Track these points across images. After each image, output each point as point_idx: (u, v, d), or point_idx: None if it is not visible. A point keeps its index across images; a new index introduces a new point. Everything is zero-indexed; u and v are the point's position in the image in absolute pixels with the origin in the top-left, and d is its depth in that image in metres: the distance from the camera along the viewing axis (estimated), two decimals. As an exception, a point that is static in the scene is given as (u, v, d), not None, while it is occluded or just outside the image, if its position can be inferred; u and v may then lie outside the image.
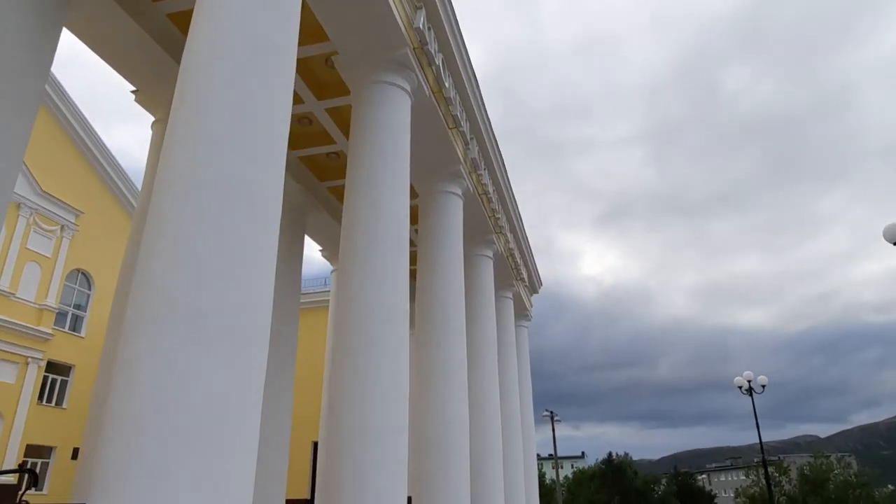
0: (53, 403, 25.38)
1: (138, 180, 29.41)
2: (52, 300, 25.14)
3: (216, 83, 5.78)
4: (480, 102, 14.31)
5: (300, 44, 6.99)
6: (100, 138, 27.98)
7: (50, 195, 25.30)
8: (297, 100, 12.65)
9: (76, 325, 27.16)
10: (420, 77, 11.02)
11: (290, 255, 14.41)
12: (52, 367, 25.29)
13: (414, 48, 10.59)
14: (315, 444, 24.25)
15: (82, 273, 27.61)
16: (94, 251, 27.67)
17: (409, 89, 10.80)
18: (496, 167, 16.72)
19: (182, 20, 10.45)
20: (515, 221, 20.41)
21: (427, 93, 11.51)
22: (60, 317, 26.06)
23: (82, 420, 26.35)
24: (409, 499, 12.99)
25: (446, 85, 11.87)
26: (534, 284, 26.61)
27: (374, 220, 9.48)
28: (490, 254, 18.02)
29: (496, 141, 16.13)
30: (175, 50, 10.81)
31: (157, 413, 4.46)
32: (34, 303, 24.40)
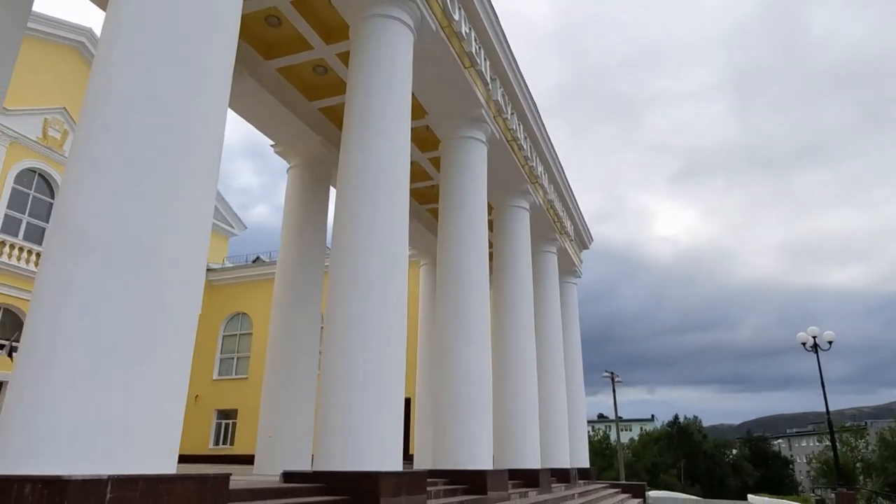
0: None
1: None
2: None
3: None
4: (502, 39, 13.37)
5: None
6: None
7: None
8: (307, 46, 12.23)
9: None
10: (423, 9, 10.29)
11: (317, 210, 14.17)
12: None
13: (413, -24, 9.85)
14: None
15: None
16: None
17: (410, 23, 10.11)
18: (527, 111, 15.76)
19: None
20: (555, 171, 19.39)
21: (434, 27, 10.77)
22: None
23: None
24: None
25: (456, 18, 11.06)
26: (583, 240, 25.52)
27: (367, 163, 8.98)
28: (525, 205, 17.19)
29: (525, 81, 15.15)
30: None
31: (55, 345, 4.21)
32: None
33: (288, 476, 7.56)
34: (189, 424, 28.02)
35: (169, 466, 4.54)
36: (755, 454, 57.42)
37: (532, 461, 14.43)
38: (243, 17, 11.67)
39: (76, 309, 4.32)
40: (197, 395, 30.58)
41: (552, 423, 18.22)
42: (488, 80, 12.83)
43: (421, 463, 17.81)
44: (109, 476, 3.82)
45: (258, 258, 33.53)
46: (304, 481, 7.30)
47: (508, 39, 13.55)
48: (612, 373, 39.93)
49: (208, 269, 32.16)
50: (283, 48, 12.47)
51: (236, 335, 31.23)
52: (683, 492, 39.79)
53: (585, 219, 24.96)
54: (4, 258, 22.38)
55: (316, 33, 11.90)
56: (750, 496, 30.87)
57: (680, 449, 51.35)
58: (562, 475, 17.42)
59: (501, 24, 12.99)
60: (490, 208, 17.70)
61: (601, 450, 48.31)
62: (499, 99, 13.64)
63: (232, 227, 34.09)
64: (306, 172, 14.59)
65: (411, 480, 7.71)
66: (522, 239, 16.79)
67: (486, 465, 11.16)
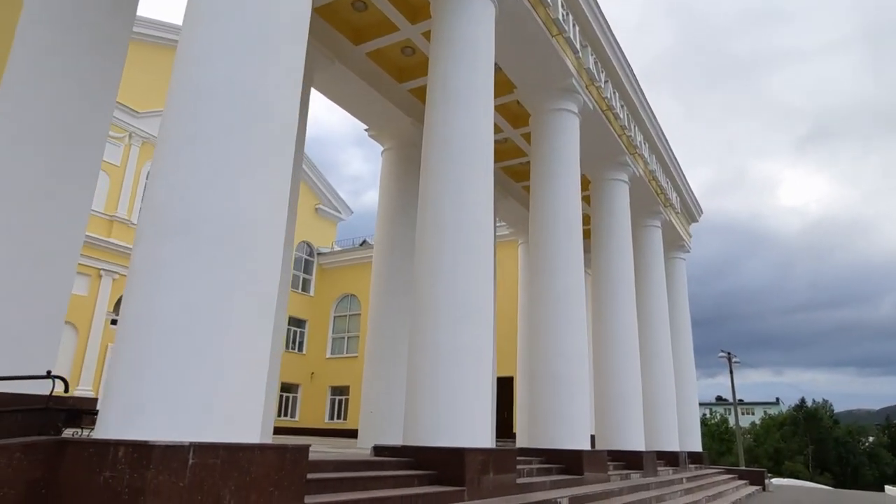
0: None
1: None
2: (124, 212, 26.98)
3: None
4: (594, 4, 12.72)
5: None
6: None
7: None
8: (393, 27, 12.30)
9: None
10: (504, -23, 9.98)
11: (411, 191, 14.34)
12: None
13: (492, -55, 9.56)
14: (500, 380, 24.38)
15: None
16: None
17: (490, -8, 9.84)
18: (622, 77, 14.96)
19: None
20: (657, 140, 18.32)
21: (516, -5, 10.42)
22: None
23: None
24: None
25: (540, -16, 10.64)
26: (691, 212, 24.03)
27: (449, 138, 8.89)
28: (624, 177, 16.41)
29: (619, 46, 14.35)
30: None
31: (145, 321, 4.53)
32: (104, 213, 26.00)
33: (378, 450, 7.75)
34: (306, 400, 29.71)
35: (251, 437, 4.75)
36: (895, 442, 51.96)
37: (635, 443, 13.91)
38: (331, 5, 12.00)
39: (162, 286, 4.61)
40: (312, 373, 32.35)
41: (658, 404, 17.45)
42: (578, 47, 12.26)
43: (523, 441, 17.73)
44: (191, 443, 4.06)
45: (365, 241, 34.69)
46: (392, 455, 7.45)
47: (599, 3, 12.86)
48: (728, 353, 37.55)
49: (318, 253, 33.79)
50: (370, 32, 12.63)
51: (346, 316, 32.60)
52: (812, 480, 36.82)
53: (699, 191, 23.48)
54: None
55: (401, 14, 11.93)
56: (888, 487, 27.97)
57: (807, 434, 47.46)
58: (670, 458, 16.68)
59: (591, -14, 12.34)
60: (587, 182, 17.12)
61: (719, 434, 45.79)
62: (591, 67, 13.03)
63: (339, 212, 35.45)
64: (399, 154, 14.81)
65: (499, 457, 7.65)
66: (621, 213, 16.07)
67: (584, 444, 10.87)
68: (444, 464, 7.11)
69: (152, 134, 25.55)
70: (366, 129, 15.52)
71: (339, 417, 31.00)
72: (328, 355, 32.15)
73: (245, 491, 4.39)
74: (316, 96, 14.17)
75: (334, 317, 32.85)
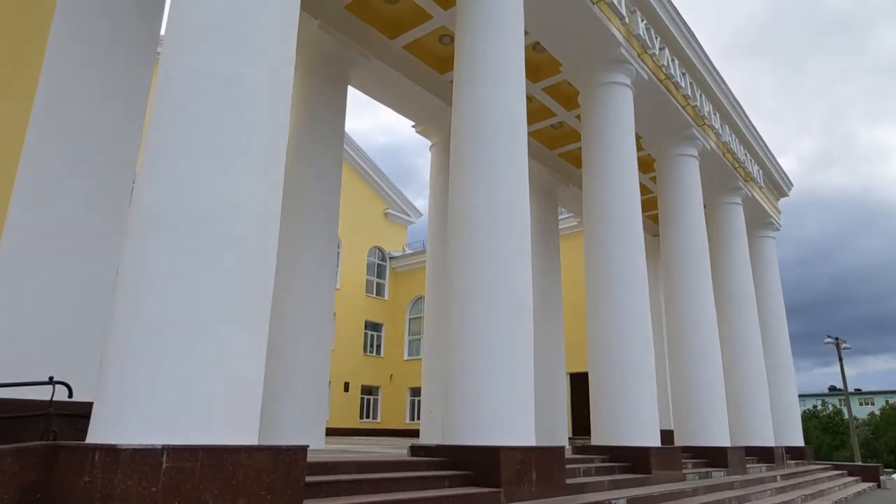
0: (322, 346, 29.64)
1: (359, 139, 32.13)
2: None
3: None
4: (638, -36, 11.78)
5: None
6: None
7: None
8: (426, 16, 11.94)
9: (331, 278, 30.92)
10: (531, -55, 9.36)
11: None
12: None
13: (514, -90, 8.97)
14: (572, 376, 23.68)
15: (330, 232, 31.43)
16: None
17: (517, -38, 9.25)
18: (682, 42, 13.81)
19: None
20: (730, 110, 16.86)
21: (546, -37, 9.77)
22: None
23: (349, 358, 30.51)
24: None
25: (572, -52, 9.91)
26: (778, 186, 22.06)
27: (477, 118, 8.39)
28: (693, 152, 15.19)
29: (675, 7, 13.26)
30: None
31: (128, 320, 4.37)
32: None
33: (414, 450, 7.37)
34: (386, 402, 30.09)
35: (246, 438, 4.50)
36: None
37: (719, 437, 12.76)
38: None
39: (145, 283, 4.43)
40: (391, 375, 32.60)
41: (747, 396, 16.04)
42: (624, 13, 11.36)
43: (595, 440, 16.85)
44: (164, 446, 3.83)
45: (435, 242, 34.61)
46: (427, 455, 7.05)
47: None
48: (836, 338, 34.33)
49: (390, 257, 34.02)
50: (404, 23, 12.33)
51: (421, 317, 32.56)
52: (945, 476, 32.88)
53: (803, 165, 21.69)
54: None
55: (433, 1, 11.54)
56: None
57: (937, 425, 42.50)
58: (764, 454, 15.25)
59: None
60: (651, 162, 16.05)
61: (832, 426, 42.00)
62: (641, 33, 12.08)
63: (409, 215, 35.57)
64: (447, 148, 14.39)
65: (544, 455, 7.06)
66: (691, 190, 14.88)
67: (652, 440, 10.01)
68: (480, 464, 6.63)
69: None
70: (413, 126, 15.25)
71: (418, 418, 31.00)
72: (406, 357, 32.26)
73: (231, 495, 4.12)
74: (370, 100, 14.05)
75: (409, 319, 32.95)
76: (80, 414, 4.91)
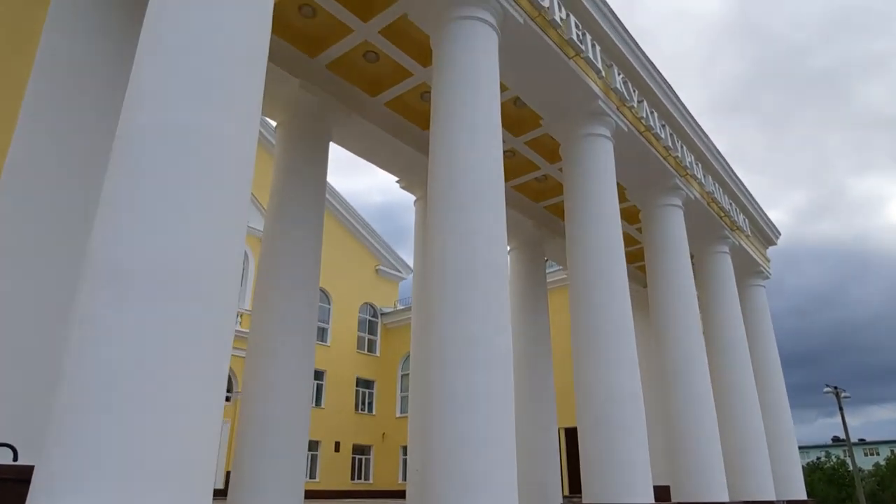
0: (314, 404, 28.94)
1: (354, 202, 32.31)
2: None
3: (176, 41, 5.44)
4: (611, 17, 12.10)
5: None
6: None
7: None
8: (407, 73, 12.18)
9: (323, 336, 30.58)
10: (503, 2, 9.62)
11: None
12: (305, 373, 28.86)
13: (486, -29, 9.26)
14: (566, 431, 23.11)
15: (322, 290, 31.19)
16: (329, 270, 31.17)
17: (491, 21, 9.49)
18: (660, 95, 14.09)
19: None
20: (712, 160, 17.08)
21: (521, 20, 10.02)
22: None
23: (339, 416, 29.80)
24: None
25: (546, 5, 10.18)
26: (765, 235, 22.15)
27: (452, 173, 8.39)
28: (677, 202, 15.28)
29: (651, 63, 13.58)
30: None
31: (69, 377, 4.17)
32: None
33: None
34: (379, 461, 29.34)
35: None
36: None
37: (717, 492, 12.31)
38: (342, 58, 12.03)
39: (94, 343, 4.26)
40: (384, 433, 31.75)
41: (745, 448, 15.60)
42: (600, 67, 11.63)
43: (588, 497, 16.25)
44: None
45: (427, 297, 34.41)
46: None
47: (621, 19, 12.26)
48: (835, 387, 33.84)
49: (382, 314, 33.72)
50: (385, 81, 12.56)
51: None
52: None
53: (795, 216, 21.89)
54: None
55: (413, 59, 11.78)
56: None
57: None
58: (765, 510, 14.70)
59: (608, 1, 11.78)
60: (637, 213, 16.13)
61: (837, 478, 40.84)
62: (618, 87, 12.31)
63: (399, 271, 35.51)
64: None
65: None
66: (677, 239, 14.89)
67: (644, 497, 9.61)
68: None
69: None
70: (397, 181, 15.35)
71: (413, 479, 30.05)
72: (398, 415, 31.52)
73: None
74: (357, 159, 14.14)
75: (401, 375, 32.40)
76: (24, 479, 4.64)
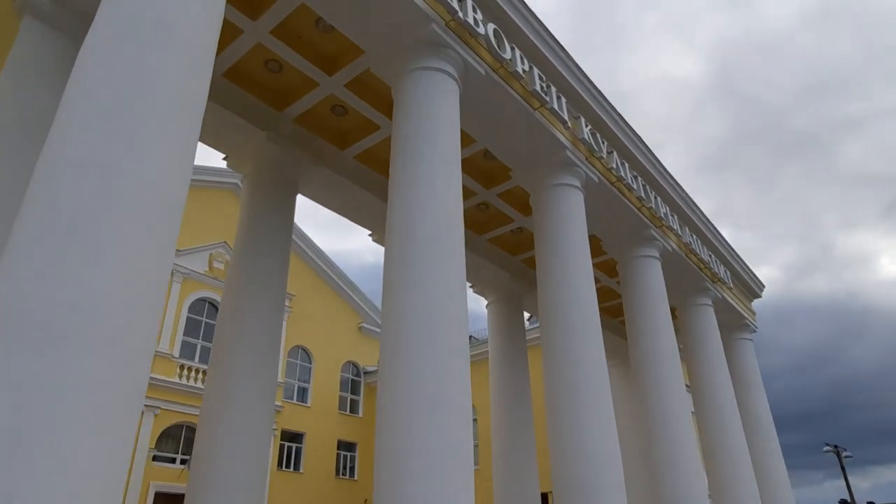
0: (291, 469, 27.69)
1: (347, 262, 32.13)
2: (279, 376, 27.92)
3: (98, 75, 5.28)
4: (576, 70, 12.23)
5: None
6: (302, 231, 31.46)
7: (264, 283, 28.59)
8: (375, 126, 12.14)
9: (303, 396, 29.67)
10: (466, 55, 9.67)
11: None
12: (286, 435, 27.76)
13: (446, 22, 9.34)
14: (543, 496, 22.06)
15: (302, 349, 30.48)
16: (310, 328, 30.63)
17: (452, 72, 9.51)
18: (630, 146, 14.11)
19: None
20: (688, 211, 17.03)
21: (483, 72, 10.05)
22: (288, 390, 28.76)
23: (319, 482, 28.46)
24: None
25: (507, 57, 10.24)
26: (749, 287, 21.94)
27: (411, 221, 8.16)
28: (654, 253, 15.09)
29: (619, 114, 13.66)
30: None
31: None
32: None
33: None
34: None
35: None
36: None
37: (706, 561, 11.52)
38: (310, 112, 11.99)
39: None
40: (366, 500, 30.30)
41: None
42: (566, 118, 11.63)
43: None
44: None
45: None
46: None
47: (587, 72, 12.38)
48: (835, 446, 32.85)
49: (365, 372, 32.84)
50: (354, 134, 12.53)
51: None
52: None
53: (785, 273, 21.57)
54: (183, 380, 24.66)
55: (380, 113, 11.76)
56: None
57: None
58: (762, 579, 13.80)
59: (572, 55, 11.92)
60: (614, 263, 15.91)
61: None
62: (586, 138, 12.31)
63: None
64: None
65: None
66: (655, 290, 14.60)
67: (623, 567, 8.92)
68: None
69: (194, 269, 26.45)
70: (370, 234, 15.13)
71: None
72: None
73: None
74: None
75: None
76: None
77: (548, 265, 11.53)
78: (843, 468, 33.43)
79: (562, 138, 11.86)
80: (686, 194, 16.84)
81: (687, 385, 18.38)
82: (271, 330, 10.56)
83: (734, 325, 20.74)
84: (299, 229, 31.19)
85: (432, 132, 8.81)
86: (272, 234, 11.23)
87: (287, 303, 29.75)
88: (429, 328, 7.36)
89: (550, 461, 10.10)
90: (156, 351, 24.74)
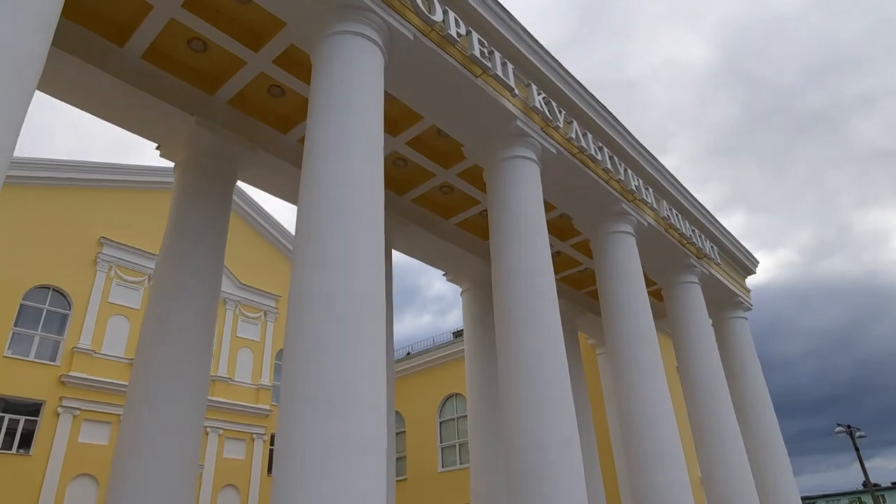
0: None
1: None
2: (266, 379, 27.40)
3: None
4: (523, 35, 11.43)
5: None
6: (288, 230, 30.84)
7: (250, 286, 28.09)
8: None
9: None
10: (388, 16, 8.96)
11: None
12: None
13: (362, -17, 8.64)
14: None
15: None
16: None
17: (373, 36, 8.80)
18: (595, 117, 13.30)
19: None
20: (666, 185, 16.16)
21: (411, 36, 9.34)
22: (276, 393, 28.24)
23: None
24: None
25: (437, 19, 9.50)
26: (741, 264, 20.97)
27: (321, 198, 7.48)
28: (628, 229, 14.27)
29: (578, 82, 12.86)
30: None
31: None
32: (251, 384, 26.77)
33: None
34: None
35: None
36: None
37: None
38: (245, 92, 11.34)
39: None
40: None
41: (730, 496, 13.95)
42: (513, 85, 10.85)
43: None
44: None
45: (409, 353, 33.12)
46: None
47: (535, 35, 11.60)
48: (848, 426, 31.66)
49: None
50: (295, 117, 11.89)
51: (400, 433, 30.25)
52: None
53: (803, 255, 20.62)
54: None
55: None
56: None
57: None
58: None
59: (516, 15, 11.15)
60: (587, 241, 15.15)
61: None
62: (538, 106, 11.52)
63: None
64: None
65: None
66: (630, 267, 13.80)
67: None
68: None
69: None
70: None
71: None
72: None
73: None
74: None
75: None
76: None
77: (499, 243, 10.80)
78: (856, 448, 32.28)
79: (510, 107, 11.11)
80: (662, 166, 15.99)
81: (676, 367, 17.56)
82: (204, 328, 9.92)
83: (726, 302, 19.82)
84: (289, 232, 30.59)
85: (345, 98, 8.13)
86: (206, 224, 10.60)
87: (274, 304, 29.27)
88: (333, 309, 6.66)
89: (506, 453, 9.38)
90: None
